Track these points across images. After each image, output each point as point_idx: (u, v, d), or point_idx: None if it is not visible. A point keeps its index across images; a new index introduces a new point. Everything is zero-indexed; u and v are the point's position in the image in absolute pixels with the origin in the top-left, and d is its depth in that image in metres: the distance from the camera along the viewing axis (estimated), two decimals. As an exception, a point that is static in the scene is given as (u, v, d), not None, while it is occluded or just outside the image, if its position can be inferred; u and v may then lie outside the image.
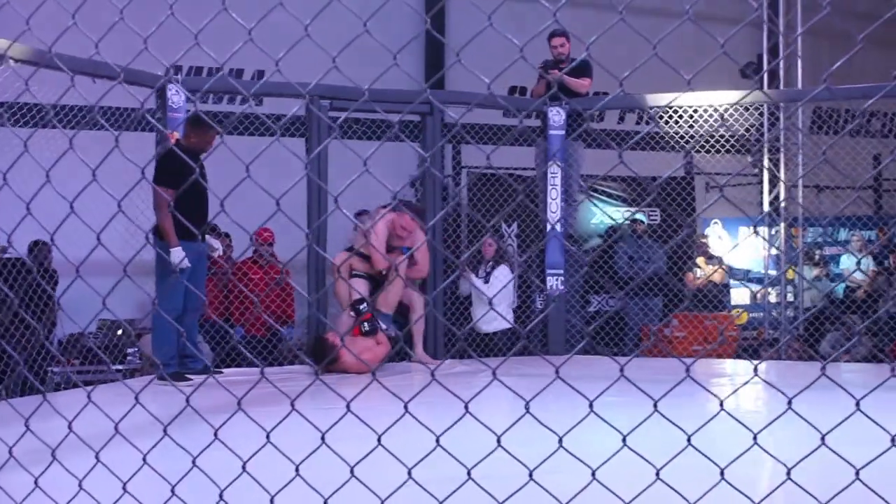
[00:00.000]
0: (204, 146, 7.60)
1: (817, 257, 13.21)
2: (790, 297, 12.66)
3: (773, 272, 12.82)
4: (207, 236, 8.03)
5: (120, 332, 10.18)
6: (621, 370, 1.86)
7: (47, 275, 9.49)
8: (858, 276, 12.89)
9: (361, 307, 8.42)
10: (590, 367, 9.13)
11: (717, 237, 13.87)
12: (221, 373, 7.99)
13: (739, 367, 9.61)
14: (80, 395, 7.66)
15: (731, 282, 13.02)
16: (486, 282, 9.91)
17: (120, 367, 9.99)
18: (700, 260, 12.02)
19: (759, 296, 13.03)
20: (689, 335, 11.02)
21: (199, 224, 7.65)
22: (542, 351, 9.89)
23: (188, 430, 2.71)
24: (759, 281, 13.20)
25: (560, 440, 1.92)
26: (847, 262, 13.37)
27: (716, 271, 12.01)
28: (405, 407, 1.96)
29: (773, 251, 12.81)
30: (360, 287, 8.55)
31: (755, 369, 1.82)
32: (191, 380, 7.58)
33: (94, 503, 2.65)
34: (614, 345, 10.95)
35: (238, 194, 2.63)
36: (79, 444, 2.95)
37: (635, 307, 11.33)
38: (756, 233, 12.72)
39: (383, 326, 8.47)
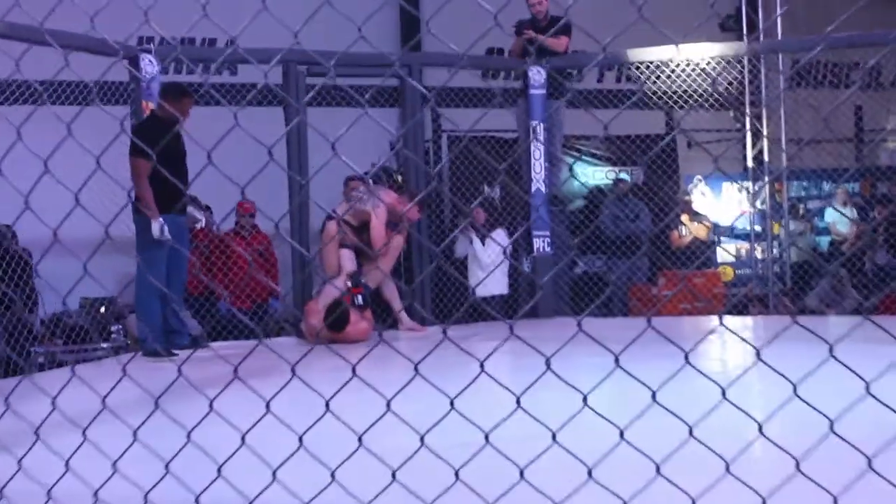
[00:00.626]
0: (181, 114, 7.36)
1: (801, 211, 13.08)
2: (777, 253, 12.54)
3: (758, 228, 12.70)
4: (189, 207, 7.85)
5: (103, 309, 9.99)
6: (648, 321, 1.73)
7: (18, 258, 9.23)
8: (843, 229, 12.79)
9: (362, 280, 8.32)
10: (576, 328, 8.97)
11: (700, 194, 13.71)
12: (209, 346, 7.83)
13: (731, 324, 9.52)
14: (63, 374, 7.54)
15: (716, 238, 12.89)
16: (482, 245, 9.79)
17: (105, 344, 9.81)
18: (685, 218, 11.88)
19: (745, 252, 12.93)
20: (677, 293, 10.89)
21: (179, 196, 7.48)
22: (529, 314, 9.74)
23: (178, 406, 2.58)
24: (746, 237, 13.08)
25: (584, 399, 1.79)
26: (831, 216, 13.26)
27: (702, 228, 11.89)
28: (415, 369, 1.83)
29: (759, 206, 12.68)
30: (349, 258, 8.42)
31: (794, 320, 1.69)
32: (175, 355, 7.44)
33: (82, 484, 2.52)
34: (601, 305, 10.81)
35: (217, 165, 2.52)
36: (62, 424, 2.82)
37: (621, 267, 11.20)
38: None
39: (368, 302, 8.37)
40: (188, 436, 2.21)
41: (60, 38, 7.43)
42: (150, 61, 8.19)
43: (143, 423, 2.37)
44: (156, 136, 7.08)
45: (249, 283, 9.65)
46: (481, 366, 1.78)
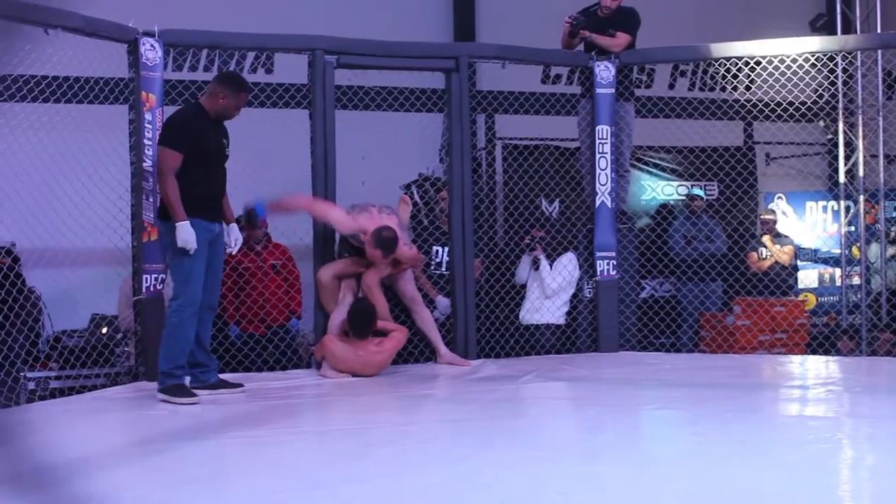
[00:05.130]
0: (232, 110, 6.29)
1: (893, 234, 11.83)
2: (866, 280, 11.26)
3: (846, 251, 11.46)
4: (232, 225, 6.62)
5: (105, 329, 8.71)
6: None
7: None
8: (939, 255, 11.65)
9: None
10: (642, 366, 7.66)
11: (781, 213, 12.54)
12: (242, 387, 6.64)
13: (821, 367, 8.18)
14: (49, 409, 6.35)
15: (798, 263, 11.68)
16: (537, 269, 8.64)
17: (102, 370, 8.53)
18: (766, 239, 10.62)
19: (839, 278, 11.65)
20: (755, 324, 9.61)
21: (216, 200, 6.36)
22: (591, 348, 8.49)
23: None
24: (836, 262, 11.91)
25: None
26: (926, 240, 12.05)
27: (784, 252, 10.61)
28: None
29: (846, 228, 11.43)
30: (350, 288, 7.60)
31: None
32: (196, 396, 6.20)
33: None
34: (671, 334, 9.59)
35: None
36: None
37: (692, 293, 9.94)
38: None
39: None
40: None
41: (44, 14, 6.38)
42: (151, 46, 7.00)
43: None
44: (198, 128, 6.12)
45: (269, 303, 8.40)
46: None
